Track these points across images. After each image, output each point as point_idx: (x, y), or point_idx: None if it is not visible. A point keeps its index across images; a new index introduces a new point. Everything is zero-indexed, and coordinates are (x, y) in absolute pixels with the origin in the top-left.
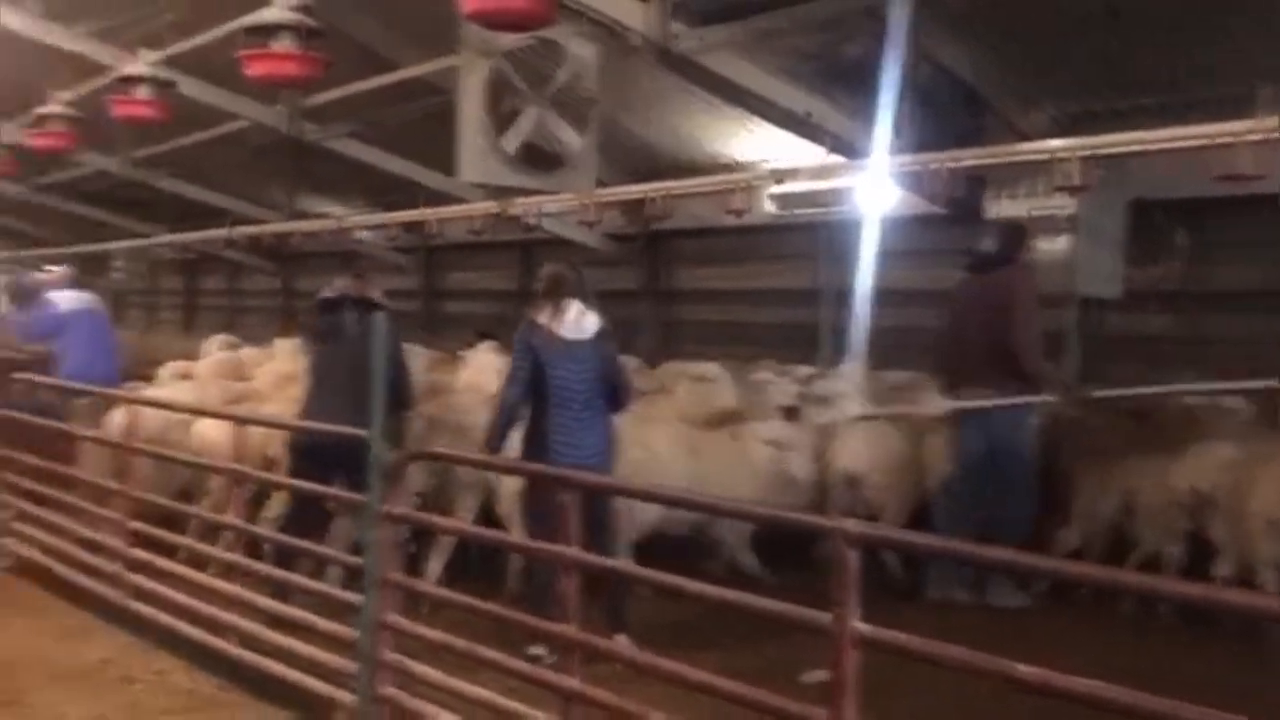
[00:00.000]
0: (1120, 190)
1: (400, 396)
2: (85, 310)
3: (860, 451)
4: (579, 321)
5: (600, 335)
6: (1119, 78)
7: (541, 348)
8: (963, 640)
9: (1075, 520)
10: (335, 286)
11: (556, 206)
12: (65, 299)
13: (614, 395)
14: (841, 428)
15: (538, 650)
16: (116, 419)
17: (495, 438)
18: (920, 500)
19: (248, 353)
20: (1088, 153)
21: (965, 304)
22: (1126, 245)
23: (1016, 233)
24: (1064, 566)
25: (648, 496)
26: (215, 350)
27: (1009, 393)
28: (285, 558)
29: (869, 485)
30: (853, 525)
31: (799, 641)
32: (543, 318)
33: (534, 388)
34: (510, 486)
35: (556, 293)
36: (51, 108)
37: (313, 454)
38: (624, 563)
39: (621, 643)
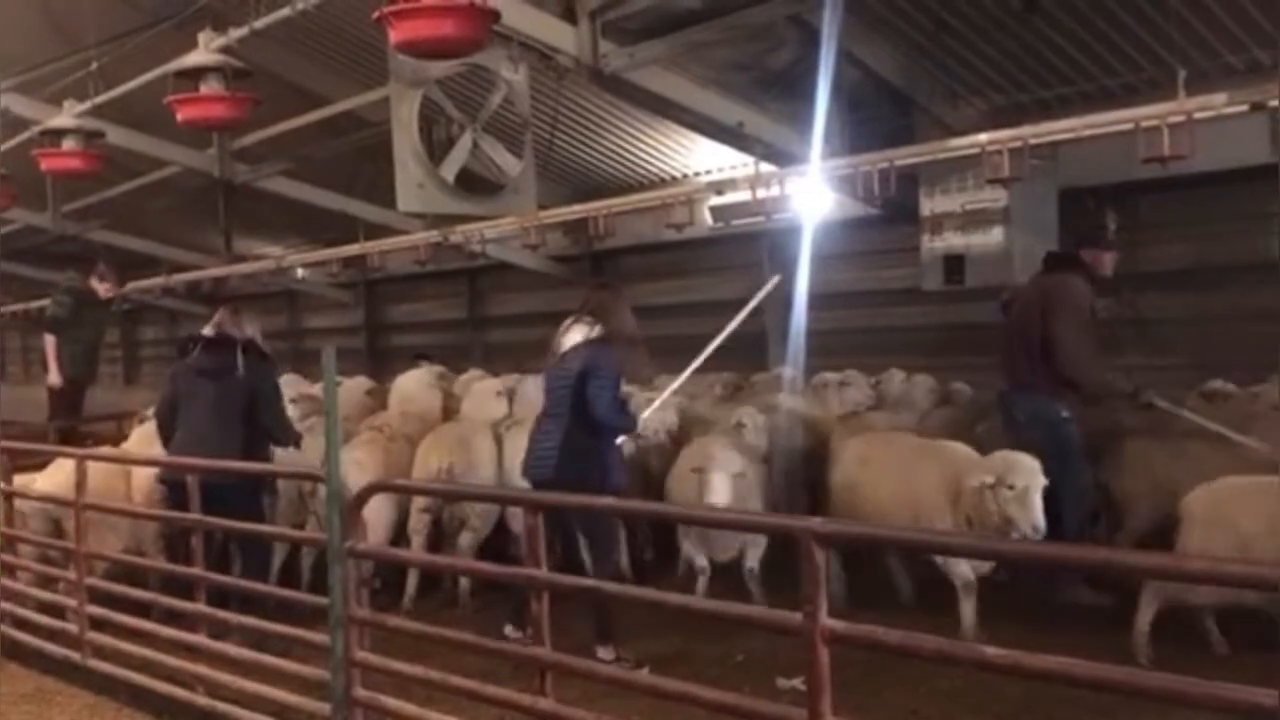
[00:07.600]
0: (1050, 179)
1: (269, 432)
2: None
3: None
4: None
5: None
6: (1042, 68)
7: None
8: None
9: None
10: (212, 324)
11: (498, 231)
12: None
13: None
14: None
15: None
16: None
17: None
18: None
19: None
20: (1016, 144)
21: (1021, 305)
22: (1060, 233)
23: (1085, 233)
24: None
25: (615, 510)
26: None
27: (1057, 396)
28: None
29: None
30: (820, 524)
31: (771, 643)
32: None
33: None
34: None
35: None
36: None
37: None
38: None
39: (603, 655)
